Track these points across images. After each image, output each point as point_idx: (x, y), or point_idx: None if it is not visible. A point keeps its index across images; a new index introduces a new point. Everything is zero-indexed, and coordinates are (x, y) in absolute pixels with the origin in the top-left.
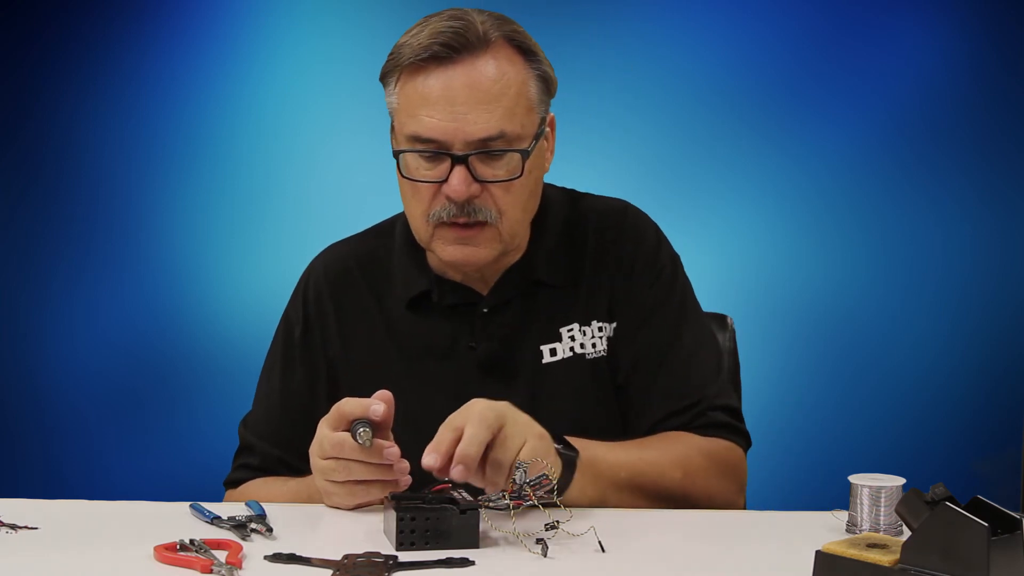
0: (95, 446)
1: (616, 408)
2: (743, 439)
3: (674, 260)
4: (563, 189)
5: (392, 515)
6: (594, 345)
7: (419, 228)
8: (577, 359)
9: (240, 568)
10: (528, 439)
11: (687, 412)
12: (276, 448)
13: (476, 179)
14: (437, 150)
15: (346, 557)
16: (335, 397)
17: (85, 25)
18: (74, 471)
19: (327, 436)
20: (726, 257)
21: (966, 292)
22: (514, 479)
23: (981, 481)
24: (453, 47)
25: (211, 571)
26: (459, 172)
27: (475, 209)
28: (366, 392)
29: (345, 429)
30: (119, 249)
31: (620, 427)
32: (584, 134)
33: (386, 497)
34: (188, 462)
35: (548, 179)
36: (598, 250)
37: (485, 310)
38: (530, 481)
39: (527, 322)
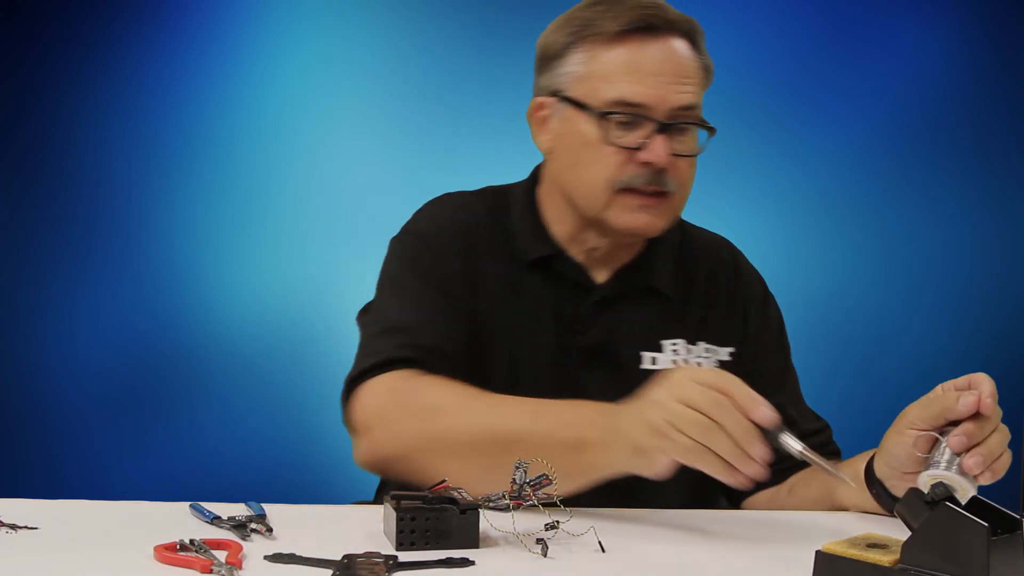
0: (95, 446)
1: None
2: None
3: (778, 311)
4: None
5: (392, 515)
6: (698, 364)
7: (596, 194)
8: None
9: (240, 568)
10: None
11: (815, 436)
12: (434, 340)
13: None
14: (642, 114)
15: (346, 557)
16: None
17: (85, 25)
18: (74, 471)
19: (705, 392)
20: None
21: (966, 292)
22: (514, 479)
23: None
24: (664, 19)
25: (211, 571)
26: (663, 139)
27: (666, 179)
28: (479, 341)
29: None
30: (119, 249)
31: None
32: None
33: (386, 497)
34: (188, 462)
35: None
36: (710, 279)
37: (596, 299)
38: (530, 481)
39: (633, 324)
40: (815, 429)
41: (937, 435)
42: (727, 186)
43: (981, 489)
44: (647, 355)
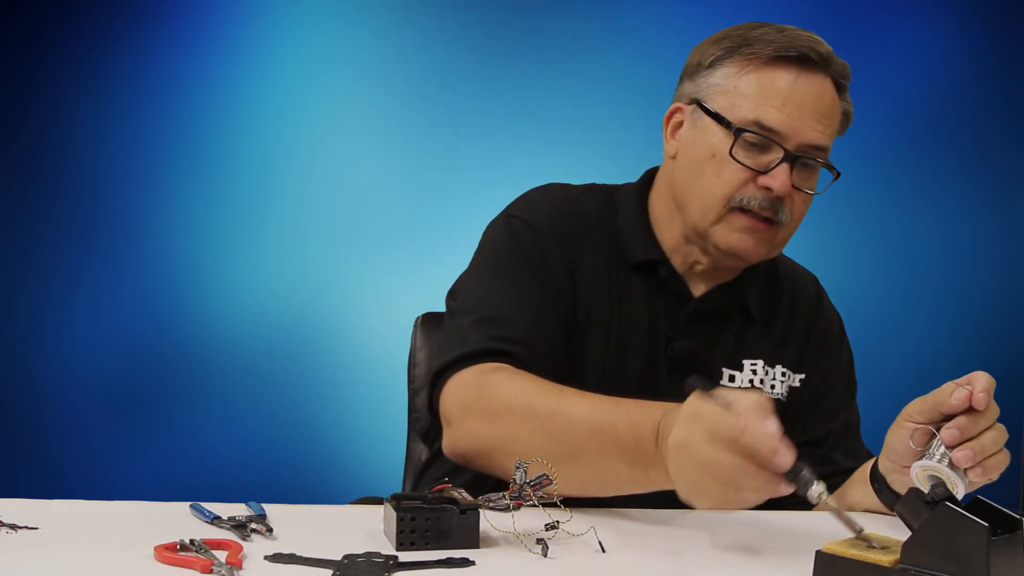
0: (95, 446)
1: None
2: None
3: (849, 344)
4: None
5: (392, 515)
6: (773, 387)
7: (710, 206)
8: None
9: (240, 568)
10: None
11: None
12: (528, 331)
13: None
14: (775, 140)
15: (346, 557)
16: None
17: (85, 25)
18: (74, 471)
19: (720, 458)
20: None
21: (966, 292)
22: (514, 479)
23: None
24: (820, 55)
25: (211, 571)
26: (788, 168)
27: (780, 207)
28: (575, 335)
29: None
30: (119, 249)
31: None
32: (583, 134)
33: (386, 498)
34: (188, 462)
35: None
36: (791, 309)
37: (691, 310)
38: (530, 481)
39: (720, 340)
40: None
41: (933, 429)
42: None
43: (981, 489)
44: (726, 372)
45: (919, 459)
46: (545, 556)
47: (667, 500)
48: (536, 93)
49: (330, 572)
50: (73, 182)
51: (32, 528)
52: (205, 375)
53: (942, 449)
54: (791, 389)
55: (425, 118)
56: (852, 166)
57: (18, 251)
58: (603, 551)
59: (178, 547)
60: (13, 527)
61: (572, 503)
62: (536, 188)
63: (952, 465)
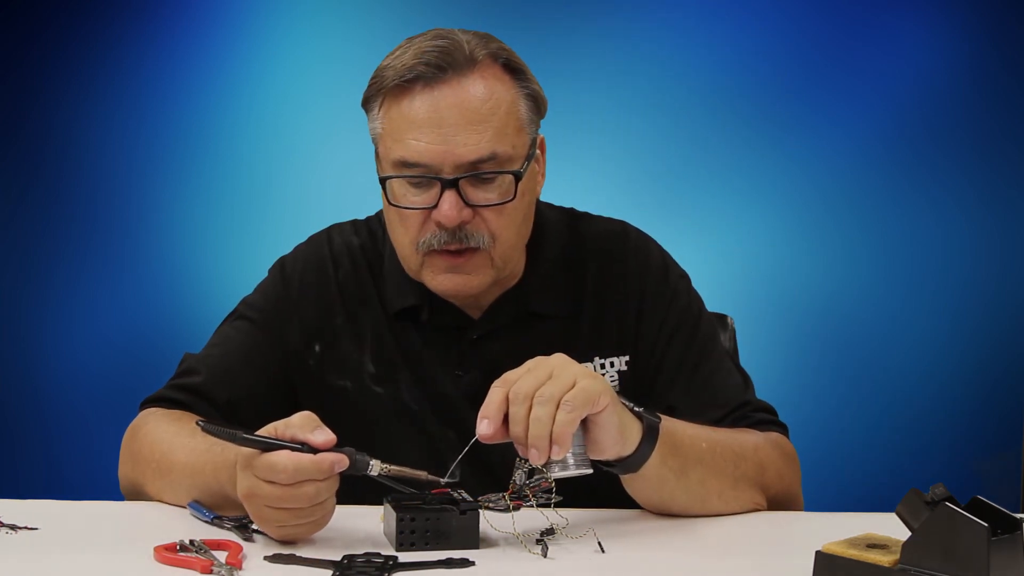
0: (95, 446)
1: None
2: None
3: (683, 279)
4: (561, 209)
5: (392, 516)
6: None
7: (408, 257)
8: None
9: (240, 569)
10: (579, 379)
11: (728, 418)
12: (209, 385)
13: (467, 203)
14: (425, 175)
15: (346, 557)
16: (295, 405)
17: (85, 25)
18: (74, 471)
19: (267, 466)
20: (726, 257)
21: (966, 292)
22: (514, 479)
23: (981, 481)
24: (439, 66)
25: (211, 571)
26: (449, 197)
27: (467, 235)
28: (328, 407)
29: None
30: (119, 249)
31: None
32: (583, 134)
33: (385, 498)
34: None
35: (552, 193)
36: (600, 280)
37: (475, 336)
38: (530, 482)
39: (520, 354)
40: (721, 416)
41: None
42: (727, 186)
43: (981, 489)
44: None
45: (549, 471)
46: (545, 556)
47: (744, 483)
48: None
49: (330, 572)
50: (73, 182)
51: (32, 528)
52: None
53: (523, 468)
54: (620, 374)
55: None
56: (852, 166)
57: (18, 251)
58: (603, 551)
59: (178, 547)
60: (13, 527)
61: (572, 503)
62: (316, 234)
63: (546, 466)
